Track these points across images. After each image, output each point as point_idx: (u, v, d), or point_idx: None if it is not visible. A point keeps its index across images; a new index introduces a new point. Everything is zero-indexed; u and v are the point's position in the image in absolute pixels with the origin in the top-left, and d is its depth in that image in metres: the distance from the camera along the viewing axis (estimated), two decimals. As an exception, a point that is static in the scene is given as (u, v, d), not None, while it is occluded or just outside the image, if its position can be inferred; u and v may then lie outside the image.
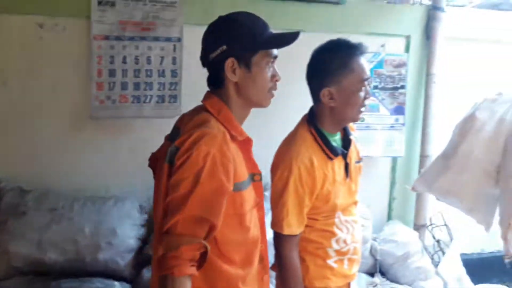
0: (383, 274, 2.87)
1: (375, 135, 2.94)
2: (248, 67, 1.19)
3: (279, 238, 1.46)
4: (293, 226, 1.44)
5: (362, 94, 1.47)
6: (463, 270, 2.94)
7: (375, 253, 2.82)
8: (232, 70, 1.18)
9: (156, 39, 2.46)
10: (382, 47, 2.83)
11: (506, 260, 1.73)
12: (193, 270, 1.04)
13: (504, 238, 1.70)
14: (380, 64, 2.86)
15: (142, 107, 2.48)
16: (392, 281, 2.81)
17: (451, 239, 3.00)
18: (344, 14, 2.74)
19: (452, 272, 2.85)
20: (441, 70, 2.94)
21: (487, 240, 3.40)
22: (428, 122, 2.95)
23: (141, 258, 2.35)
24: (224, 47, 1.17)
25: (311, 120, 1.52)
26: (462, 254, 3.34)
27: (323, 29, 2.67)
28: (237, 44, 1.18)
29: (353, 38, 2.68)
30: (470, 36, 3.02)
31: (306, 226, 1.49)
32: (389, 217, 3.16)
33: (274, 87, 1.26)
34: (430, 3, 2.93)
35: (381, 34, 2.84)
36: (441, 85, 2.97)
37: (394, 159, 3.09)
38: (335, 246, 1.52)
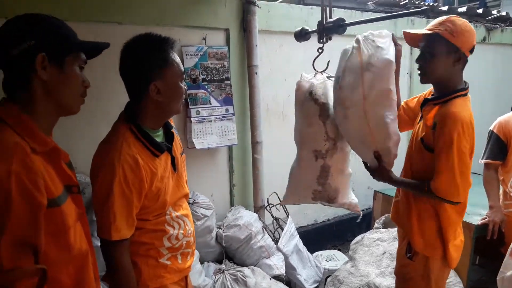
0: (230, 259, 2.97)
1: (211, 126, 3.00)
2: (61, 66, 1.12)
3: (108, 245, 1.37)
4: (122, 230, 1.36)
5: (183, 86, 1.48)
6: (300, 242, 3.25)
7: (221, 240, 2.90)
8: (42, 66, 1.07)
9: None
10: (204, 40, 2.88)
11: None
12: None
13: None
14: (204, 57, 2.91)
15: None
16: (239, 264, 2.93)
17: (288, 215, 3.27)
18: (161, 7, 2.69)
19: (291, 245, 3.12)
20: (260, 61, 3.15)
21: (318, 211, 3.84)
22: (255, 111, 3.14)
23: None
24: (33, 42, 1.06)
25: (130, 117, 1.45)
26: (299, 227, 3.70)
27: (140, 22, 2.60)
28: (49, 40, 1.09)
29: (173, 32, 2.76)
30: (282, 28, 3.30)
31: (136, 228, 1.43)
32: (232, 203, 3.28)
33: (84, 94, 1.21)
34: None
35: (201, 27, 2.88)
36: (262, 76, 3.18)
37: (230, 148, 3.22)
38: (167, 244, 1.50)
